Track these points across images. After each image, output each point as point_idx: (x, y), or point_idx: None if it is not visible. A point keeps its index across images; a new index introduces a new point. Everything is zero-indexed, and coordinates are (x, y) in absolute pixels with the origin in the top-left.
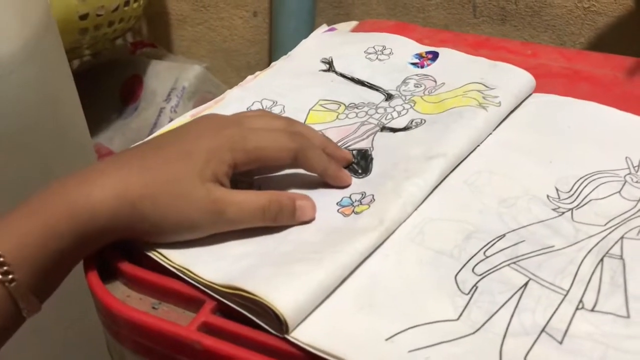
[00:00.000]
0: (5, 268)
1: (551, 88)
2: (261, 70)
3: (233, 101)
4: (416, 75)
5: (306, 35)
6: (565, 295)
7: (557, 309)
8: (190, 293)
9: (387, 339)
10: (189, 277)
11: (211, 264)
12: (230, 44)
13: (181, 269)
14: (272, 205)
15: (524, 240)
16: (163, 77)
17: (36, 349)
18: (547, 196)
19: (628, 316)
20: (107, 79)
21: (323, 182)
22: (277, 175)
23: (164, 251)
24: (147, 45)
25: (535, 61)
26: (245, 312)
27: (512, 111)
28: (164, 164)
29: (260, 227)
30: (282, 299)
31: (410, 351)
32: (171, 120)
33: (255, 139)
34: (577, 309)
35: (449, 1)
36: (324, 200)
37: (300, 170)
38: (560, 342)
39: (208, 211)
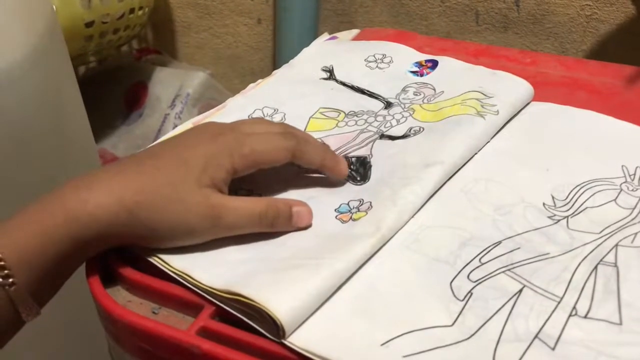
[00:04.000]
0: (5, 272)
1: (550, 96)
2: (265, 77)
3: (235, 109)
4: (415, 83)
5: (310, 43)
6: (559, 302)
7: (550, 316)
8: (189, 298)
9: (382, 344)
10: (188, 282)
11: (210, 269)
12: (235, 51)
13: (181, 274)
14: (270, 211)
15: (519, 248)
16: (167, 83)
17: (38, 353)
18: (543, 204)
19: (620, 323)
20: (112, 85)
21: (321, 189)
22: (277, 184)
23: (164, 256)
24: (152, 52)
25: (534, 69)
26: (243, 317)
27: (510, 119)
28: (160, 170)
29: (259, 233)
30: (279, 304)
31: (404, 356)
32: (175, 126)
33: (251, 143)
34: (570, 315)
35: (451, 9)
36: (323, 207)
37: (300, 179)
38: (553, 349)
39: (205, 216)
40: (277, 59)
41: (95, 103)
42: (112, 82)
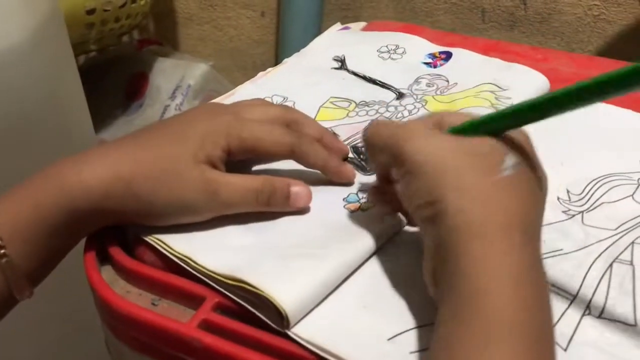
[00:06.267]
0: None
1: None
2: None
3: (243, 97)
4: (429, 74)
5: (313, 37)
6: (572, 301)
7: (563, 315)
8: (190, 289)
9: (389, 339)
10: (190, 267)
11: (214, 255)
12: (237, 44)
13: (183, 257)
14: (265, 188)
15: None
16: (169, 74)
17: (33, 344)
18: (558, 198)
19: (636, 324)
20: (112, 75)
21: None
22: (282, 170)
23: (167, 240)
24: (153, 42)
25: (545, 66)
26: (246, 305)
27: None
28: (158, 144)
29: (264, 218)
30: (284, 293)
31: (412, 352)
32: None
33: (250, 129)
34: (583, 315)
35: (457, 6)
36: (330, 195)
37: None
38: (565, 349)
39: (201, 191)
40: (279, 53)
41: (95, 93)
42: (112, 71)
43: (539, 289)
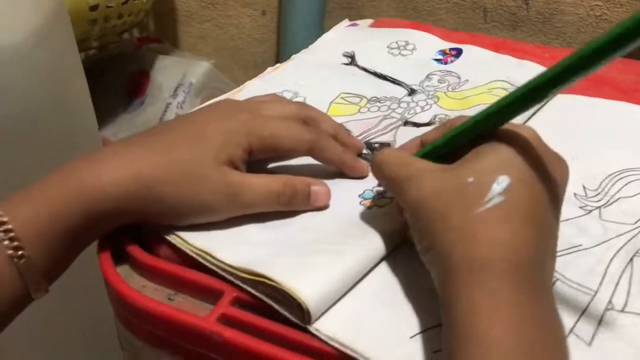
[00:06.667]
0: (16, 243)
1: (572, 91)
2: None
3: (253, 92)
4: (440, 71)
5: (315, 36)
6: (594, 296)
7: (585, 310)
8: (208, 284)
9: (411, 337)
10: (209, 262)
11: (233, 249)
12: (238, 42)
13: (201, 253)
14: (287, 189)
15: None
16: (170, 72)
17: (45, 338)
18: (574, 194)
19: None
20: (113, 73)
21: (342, 173)
22: (297, 166)
23: (184, 235)
24: (153, 40)
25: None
26: (266, 299)
27: (537, 110)
28: (179, 145)
29: (282, 214)
30: (305, 288)
31: (435, 352)
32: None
33: (270, 127)
34: (606, 309)
35: (459, 5)
36: (346, 191)
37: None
38: (589, 344)
39: (223, 194)
40: (281, 52)
41: (96, 90)
42: (113, 69)
43: (532, 325)
